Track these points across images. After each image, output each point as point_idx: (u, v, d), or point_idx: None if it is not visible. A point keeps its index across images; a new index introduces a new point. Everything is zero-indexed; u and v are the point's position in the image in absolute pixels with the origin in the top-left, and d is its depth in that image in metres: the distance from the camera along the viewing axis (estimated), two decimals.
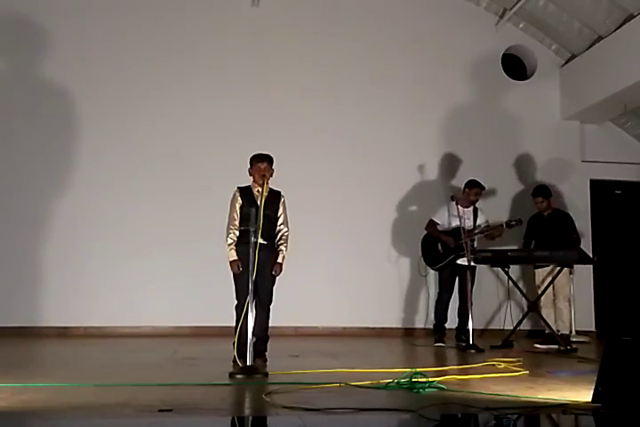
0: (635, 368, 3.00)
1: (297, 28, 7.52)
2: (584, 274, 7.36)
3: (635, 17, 6.71)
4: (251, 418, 3.06)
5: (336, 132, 7.37)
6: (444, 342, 6.29)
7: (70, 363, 4.76)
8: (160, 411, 2.88)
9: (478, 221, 6.37)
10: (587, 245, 7.12)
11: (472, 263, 6.13)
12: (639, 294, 7.62)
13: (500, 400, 3.26)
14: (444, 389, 3.56)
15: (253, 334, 4.10)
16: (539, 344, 6.30)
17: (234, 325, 4.45)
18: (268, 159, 4.64)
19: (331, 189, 7.24)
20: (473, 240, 6.23)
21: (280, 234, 4.70)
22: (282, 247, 4.68)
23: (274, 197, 4.69)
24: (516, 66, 8.14)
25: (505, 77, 7.95)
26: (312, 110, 7.37)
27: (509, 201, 7.61)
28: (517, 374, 4.28)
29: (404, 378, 3.64)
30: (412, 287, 7.33)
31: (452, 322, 6.43)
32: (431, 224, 6.50)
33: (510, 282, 6.44)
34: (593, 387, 3.11)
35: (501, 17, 7.83)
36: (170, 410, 2.89)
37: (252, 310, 4.11)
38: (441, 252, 6.36)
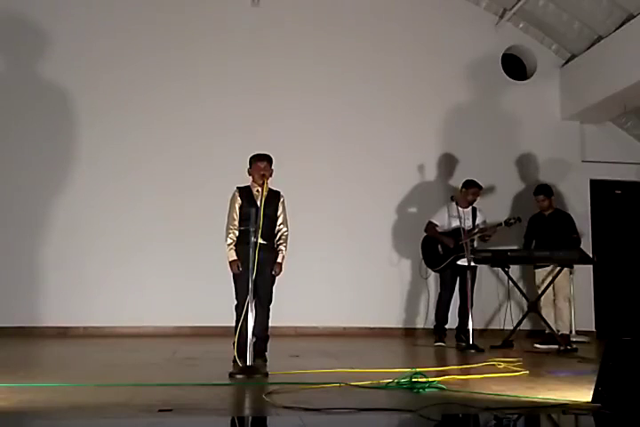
0: (635, 368, 3.00)
1: (297, 28, 7.52)
2: (584, 274, 7.36)
3: (635, 17, 6.71)
4: (251, 418, 3.07)
5: (336, 131, 7.37)
6: (444, 342, 6.29)
7: (70, 363, 4.76)
8: (160, 411, 2.88)
9: (477, 221, 6.37)
10: (587, 245, 7.11)
11: (472, 263, 6.13)
12: (639, 294, 7.62)
13: (500, 400, 3.26)
14: (444, 389, 3.56)
15: (253, 334, 4.10)
16: (539, 344, 6.30)
17: (234, 325, 4.45)
18: (267, 159, 4.64)
19: (330, 189, 7.24)
20: (472, 240, 6.23)
21: (280, 234, 4.70)
22: (281, 247, 4.68)
23: (273, 197, 4.69)
24: (516, 66, 8.14)
25: (505, 77, 7.95)
26: (312, 110, 7.37)
27: (510, 201, 7.61)
28: (517, 374, 4.28)
29: (404, 378, 3.65)
30: (413, 287, 7.32)
31: (452, 322, 6.42)
32: (430, 226, 6.50)
33: (510, 282, 6.43)
34: (593, 387, 3.11)
35: (501, 17, 7.83)
36: (170, 410, 2.89)
37: (251, 310, 4.11)
38: (441, 253, 6.36)
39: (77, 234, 6.82)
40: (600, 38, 7.31)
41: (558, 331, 6.28)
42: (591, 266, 7.17)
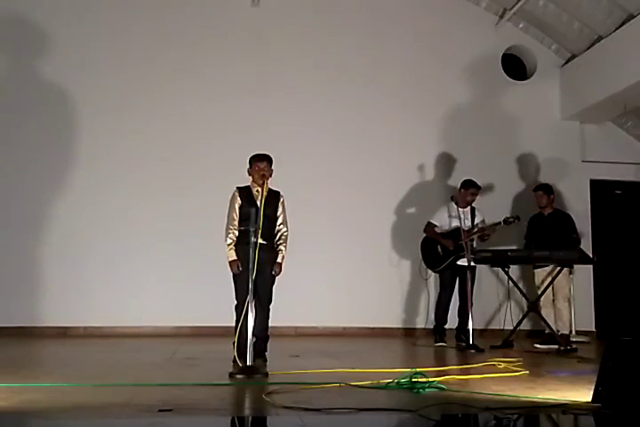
0: (635, 368, 3.00)
1: (297, 28, 7.52)
2: (584, 274, 7.36)
3: (635, 17, 6.71)
4: (251, 418, 3.07)
5: (336, 132, 7.37)
6: (444, 342, 6.29)
7: (70, 363, 4.75)
8: (160, 411, 2.88)
9: (476, 221, 6.37)
10: (587, 246, 7.11)
11: (472, 263, 6.13)
12: (639, 293, 7.62)
13: (500, 400, 3.26)
14: (444, 389, 3.57)
15: (253, 334, 4.10)
16: (539, 344, 6.30)
17: (234, 325, 4.45)
18: (267, 159, 4.65)
19: (330, 189, 7.24)
20: (472, 240, 6.23)
21: (279, 234, 4.71)
22: (281, 247, 4.68)
23: (273, 197, 4.69)
24: (516, 66, 8.14)
25: (505, 77, 7.95)
26: (312, 110, 7.37)
27: (510, 201, 7.61)
28: (517, 374, 4.28)
29: (404, 378, 3.65)
30: (413, 287, 7.32)
31: (452, 322, 6.42)
32: (429, 227, 6.50)
33: (510, 282, 6.44)
34: (593, 387, 3.11)
35: (501, 17, 7.83)
36: (170, 410, 2.89)
37: (251, 310, 4.11)
38: (441, 254, 6.36)
39: (78, 234, 6.82)
40: (600, 38, 7.31)
41: (558, 331, 6.28)
42: (591, 266, 7.17)
